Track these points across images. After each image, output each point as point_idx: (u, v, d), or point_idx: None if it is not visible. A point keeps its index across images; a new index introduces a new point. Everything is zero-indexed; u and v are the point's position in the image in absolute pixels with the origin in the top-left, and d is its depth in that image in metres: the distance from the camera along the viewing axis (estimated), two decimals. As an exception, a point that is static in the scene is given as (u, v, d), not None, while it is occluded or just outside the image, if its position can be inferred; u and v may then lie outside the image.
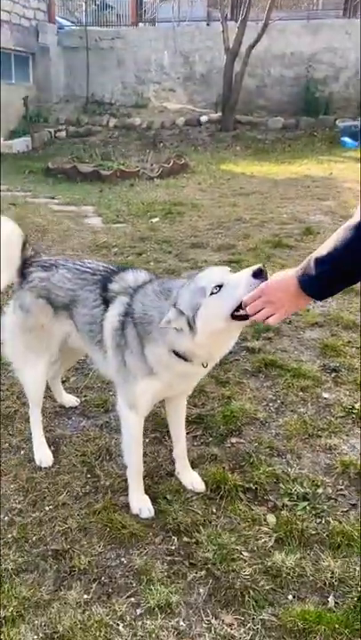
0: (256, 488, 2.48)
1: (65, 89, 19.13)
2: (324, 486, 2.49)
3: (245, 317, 1.79)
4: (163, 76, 18.84)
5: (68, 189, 9.34)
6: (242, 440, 2.80)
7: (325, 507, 2.37)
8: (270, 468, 2.58)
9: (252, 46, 14.56)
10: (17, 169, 11.67)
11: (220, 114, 16.48)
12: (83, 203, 8.17)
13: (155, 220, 6.95)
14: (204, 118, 16.96)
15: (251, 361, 3.53)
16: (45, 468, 2.65)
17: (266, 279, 1.75)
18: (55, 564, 2.13)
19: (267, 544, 2.19)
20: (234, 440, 2.80)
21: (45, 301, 2.46)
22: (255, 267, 1.79)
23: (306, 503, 2.38)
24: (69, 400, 3.13)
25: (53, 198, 8.50)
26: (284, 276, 1.68)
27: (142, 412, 2.28)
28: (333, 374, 3.36)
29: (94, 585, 2.04)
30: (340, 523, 2.28)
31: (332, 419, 2.94)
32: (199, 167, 11.49)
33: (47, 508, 2.41)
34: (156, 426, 2.88)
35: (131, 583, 2.05)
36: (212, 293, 1.85)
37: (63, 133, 17.24)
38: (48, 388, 3.16)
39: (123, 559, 2.15)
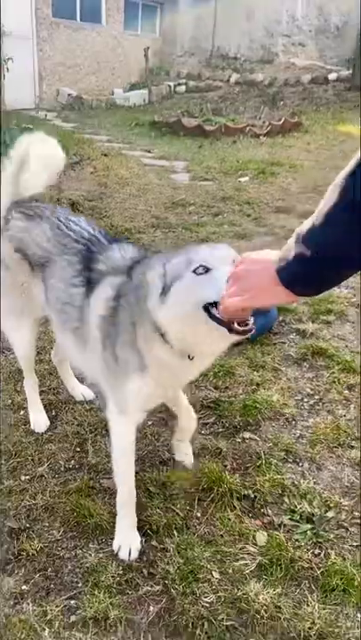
0: (255, 497, 2.09)
1: (191, 41, 18.58)
2: (338, 510, 2.04)
3: (221, 321, 1.42)
4: (294, 29, 17.60)
5: (167, 143, 9.03)
6: (256, 437, 2.39)
7: (331, 536, 1.93)
8: (279, 476, 2.17)
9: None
10: (126, 121, 11.55)
11: (350, 72, 15.10)
12: (176, 157, 7.82)
13: (244, 179, 6.43)
14: (332, 76, 15.67)
15: (298, 345, 3.05)
16: (38, 433, 2.46)
17: None
18: (7, 543, 1.92)
19: (245, 568, 1.82)
20: (247, 435, 2.40)
21: (22, 257, 2.11)
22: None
23: (309, 527, 1.96)
24: (79, 393, 2.69)
25: (149, 152, 8.23)
26: (264, 258, 1.21)
27: (134, 418, 1.89)
28: (393, 374, 2.80)
29: (37, 576, 1.81)
30: (344, 560, 1.84)
31: (375, 428, 2.43)
32: (314, 127, 10.60)
33: (23, 478, 2.21)
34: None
35: (76, 582, 1.79)
36: (194, 271, 1.49)
37: (183, 88, 16.84)
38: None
39: (78, 552, 1.90)
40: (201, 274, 1.47)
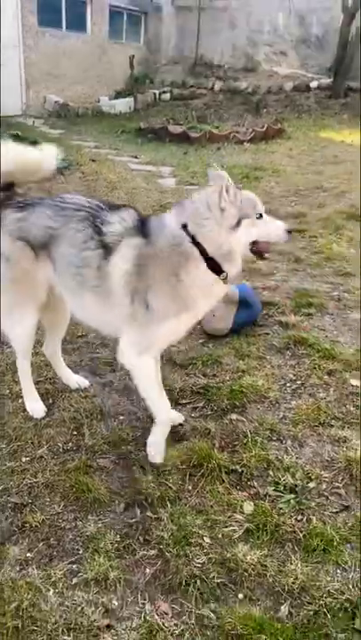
0: (242, 471, 2.25)
1: (174, 50, 18.82)
2: (319, 481, 2.20)
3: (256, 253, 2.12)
4: (276, 39, 17.93)
5: (153, 149, 9.21)
6: (243, 418, 2.55)
7: (313, 504, 2.09)
8: (264, 452, 2.32)
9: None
10: (112, 128, 11.73)
11: (331, 80, 15.44)
12: (163, 163, 8.00)
13: (228, 183, 6.62)
14: (313, 84, 16.00)
15: (281, 336, 3.22)
16: (36, 419, 2.59)
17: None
18: (10, 517, 2.06)
19: (234, 534, 1.97)
20: (234, 417, 2.56)
21: (25, 244, 2.26)
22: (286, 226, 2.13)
23: (292, 496, 2.12)
24: (74, 382, 2.82)
25: (136, 157, 8.41)
26: None
27: (156, 352, 2.21)
28: (370, 360, 2.98)
29: (40, 544, 1.95)
30: (324, 524, 2.00)
31: (353, 408, 2.60)
32: (296, 133, 10.86)
33: (23, 460, 2.34)
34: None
35: (77, 549, 1.93)
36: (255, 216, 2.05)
37: (167, 95, 17.04)
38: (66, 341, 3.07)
39: (78, 523, 2.03)
40: (258, 218, 2.05)
